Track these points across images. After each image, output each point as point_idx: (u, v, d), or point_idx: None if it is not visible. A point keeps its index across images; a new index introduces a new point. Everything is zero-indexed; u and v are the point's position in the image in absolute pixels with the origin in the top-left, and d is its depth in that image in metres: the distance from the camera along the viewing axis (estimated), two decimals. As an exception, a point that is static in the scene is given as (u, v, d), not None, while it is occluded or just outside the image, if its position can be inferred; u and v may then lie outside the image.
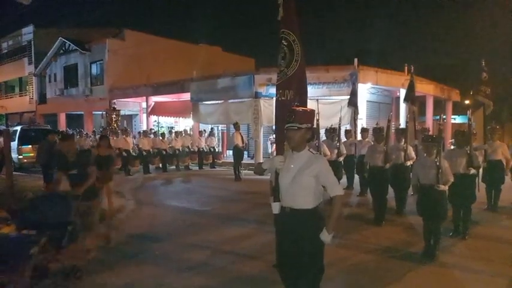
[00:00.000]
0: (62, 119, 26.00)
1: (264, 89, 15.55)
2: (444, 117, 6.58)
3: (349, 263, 4.81)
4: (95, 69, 23.82)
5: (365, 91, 16.44)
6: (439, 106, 22.40)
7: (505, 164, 7.45)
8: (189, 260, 4.93)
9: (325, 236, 2.76)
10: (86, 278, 4.35)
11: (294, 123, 2.78)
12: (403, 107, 17.88)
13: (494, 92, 7.48)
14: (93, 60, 23.67)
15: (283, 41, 3.02)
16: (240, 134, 12.27)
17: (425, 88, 18.67)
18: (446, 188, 4.92)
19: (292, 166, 2.85)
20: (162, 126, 21.47)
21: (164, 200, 9.22)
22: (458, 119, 27.67)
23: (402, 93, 17.67)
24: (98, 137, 15.73)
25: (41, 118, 27.06)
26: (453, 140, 7.26)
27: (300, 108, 2.88)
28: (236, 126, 12.23)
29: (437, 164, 4.87)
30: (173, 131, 17.32)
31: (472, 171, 5.74)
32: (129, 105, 22.68)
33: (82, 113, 24.89)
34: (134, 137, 15.80)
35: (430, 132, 9.35)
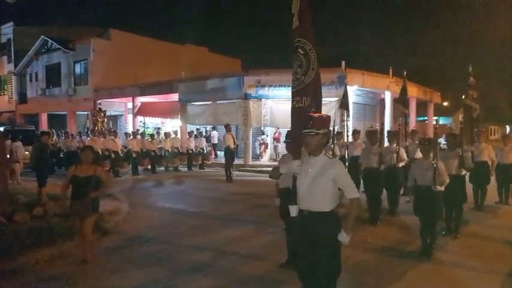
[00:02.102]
0: (44, 119, 25.44)
1: (253, 91, 15.69)
2: (439, 120, 6.84)
3: (351, 262, 4.94)
4: (78, 69, 23.41)
5: (351, 93, 16.77)
6: (422, 108, 23.05)
7: (490, 165, 7.79)
8: (193, 261, 4.98)
9: (344, 237, 2.89)
10: (92, 282, 4.36)
11: (312, 129, 2.89)
12: (388, 109, 18.36)
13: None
14: (77, 60, 23.27)
15: (299, 50, 3.13)
16: (232, 135, 12.33)
17: (409, 90, 19.06)
18: (442, 188, 5.14)
19: (310, 170, 2.96)
20: (148, 127, 21.30)
21: (158, 201, 9.20)
22: (440, 120, 28.54)
23: (387, 95, 18.19)
24: (83, 138, 15.66)
25: (21, 118, 26.41)
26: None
27: (317, 115, 3.00)
28: (227, 127, 12.28)
29: (434, 165, 5.08)
30: (160, 131, 17.22)
31: (464, 172, 6.00)
32: (114, 106, 22.41)
33: (65, 113, 24.44)
34: (119, 138, 15.60)
35: (419, 134, 9.62)
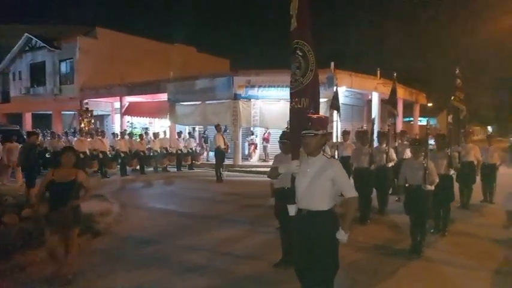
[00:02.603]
0: (28, 118, 24.92)
1: (243, 91, 15.71)
2: (431, 122, 7.00)
3: (343, 261, 4.98)
4: (64, 68, 23.05)
5: (340, 94, 16.94)
6: (408, 109, 23.45)
7: (476, 165, 8.00)
8: (189, 262, 4.98)
9: (342, 235, 2.95)
10: (86, 284, 4.33)
11: (311, 130, 2.95)
12: (375, 109, 18.64)
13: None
14: (63, 58, 22.91)
15: (298, 51, 3.18)
16: (222, 135, 12.33)
17: (398, 92, 19.45)
18: (432, 188, 5.26)
19: (308, 170, 3.02)
20: (135, 127, 21.10)
21: (149, 202, 9.14)
22: (424, 121, 29.05)
23: (374, 96, 18.46)
24: (70, 138, 15.43)
25: (3, 117, 25.80)
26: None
27: (316, 116, 3.06)
28: (218, 128, 12.28)
29: (425, 165, 5.21)
30: (148, 132, 17.10)
31: (452, 172, 6.16)
32: (101, 105, 22.14)
33: (50, 112, 24.01)
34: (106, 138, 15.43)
35: (408, 135, 9.82)
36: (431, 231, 6.20)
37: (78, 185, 4.26)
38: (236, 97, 15.74)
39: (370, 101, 19.22)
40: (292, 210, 3.11)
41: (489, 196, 8.54)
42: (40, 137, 15.68)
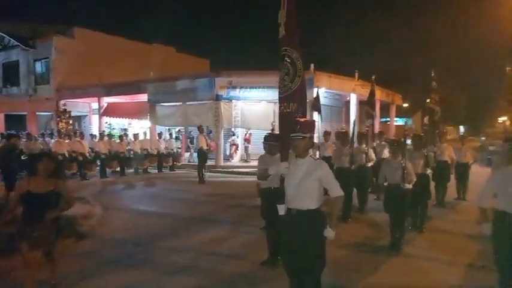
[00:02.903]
0: (0, 120, 24.10)
1: (225, 92, 15.75)
2: (409, 123, 7.27)
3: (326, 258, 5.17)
4: (39, 67, 22.41)
5: (321, 95, 17.24)
6: (384, 109, 24.04)
7: (450, 164, 8.35)
8: (175, 263, 5.03)
9: (329, 233, 3.09)
10: (75, 287, 4.32)
11: (299, 133, 3.08)
12: (353, 110, 19.06)
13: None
14: (38, 58, 22.27)
15: (286, 58, 3.30)
16: (205, 136, 12.35)
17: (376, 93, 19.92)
18: (410, 186, 5.50)
19: (297, 171, 3.15)
20: (113, 128, 20.78)
21: (131, 204, 9.07)
22: (400, 121, 29.91)
23: (352, 97, 18.87)
24: (47, 139, 15.06)
25: (-27, 119, 24.88)
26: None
27: (303, 120, 3.19)
28: (200, 129, 12.29)
29: (403, 165, 5.43)
30: (127, 133, 16.90)
31: (429, 171, 6.44)
32: (78, 106, 21.69)
33: (24, 113, 23.31)
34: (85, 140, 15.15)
35: (385, 135, 10.13)
36: (409, 228, 6.45)
37: (57, 196, 3.83)
38: (218, 98, 15.77)
39: (348, 102, 19.62)
40: (281, 209, 3.23)
41: (462, 194, 8.94)
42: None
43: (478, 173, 9.77)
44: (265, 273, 4.58)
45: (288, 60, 3.28)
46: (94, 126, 21.38)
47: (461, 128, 41.34)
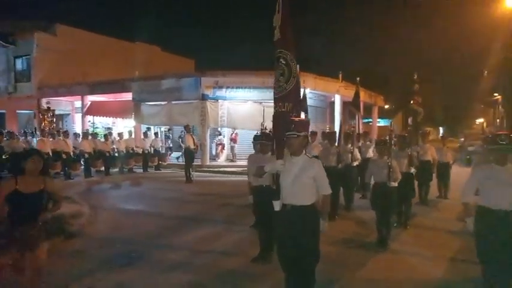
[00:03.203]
0: (-23, 118, 23.46)
1: (211, 92, 15.79)
2: (392, 124, 7.53)
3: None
4: (20, 65, 21.90)
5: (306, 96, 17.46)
6: (367, 110, 24.52)
7: (432, 163, 8.65)
8: (169, 260, 5.07)
9: (324, 226, 3.23)
10: (68, 285, 4.32)
11: (294, 132, 3.21)
12: (337, 111, 19.38)
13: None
14: (18, 55, 21.75)
15: (281, 60, 3.42)
16: (192, 136, 12.37)
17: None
18: (396, 184, 5.70)
19: (292, 169, 3.27)
20: (97, 127, 20.51)
21: (118, 204, 9.02)
22: (382, 122, 30.52)
23: (337, 98, 19.18)
24: (29, 138, 14.77)
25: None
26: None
27: (298, 119, 3.33)
28: (187, 128, 12.30)
29: (389, 164, 5.63)
30: (112, 132, 16.72)
31: (413, 170, 6.68)
32: (61, 105, 21.28)
33: (3, 111, 22.70)
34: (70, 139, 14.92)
35: (370, 135, 10.40)
36: (395, 225, 6.66)
37: (47, 196, 3.60)
38: (204, 98, 15.80)
39: (332, 103, 19.95)
40: (277, 205, 3.34)
41: (444, 192, 9.26)
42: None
43: (458, 173, 10.13)
44: (258, 268, 4.69)
45: (283, 62, 3.40)
46: (77, 125, 21.06)
47: (441, 129, 42.46)
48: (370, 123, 26.21)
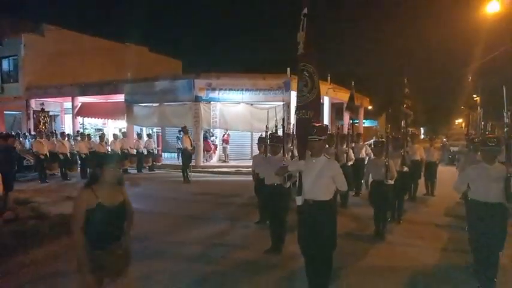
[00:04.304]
0: (-37, 119, 23.05)
1: (204, 93, 16.12)
2: (372, 124, 7.98)
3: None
4: (7, 65, 21.72)
5: (294, 98, 17.97)
6: (354, 112, 25.24)
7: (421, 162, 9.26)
8: (184, 254, 5.43)
9: None
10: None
11: (315, 136, 3.66)
12: (326, 112, 20.01)
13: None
14: (5, 55, 21.58)
15: (305, 72, 3.88)
16: (189, 137, 12.69)
17: (344, 96, 20.94)
18: (392, 182, 6.23)
19: (313, 168, 3.73)
20: (86, 128, 20.51)
21: (122, 203, 9.25)
22: (366, 123, 31.49)
23: (325, 100, 19.79)
24: (22, 140, 14.78)
25: None
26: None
27: (318, 125, 3.78)
28: (184, 129, 12.62)
29: (386, 163, 6.16)
30: (104, 133, 16.85)
31: (405, 168, 7.23)
32: (49, 106, 21.17)
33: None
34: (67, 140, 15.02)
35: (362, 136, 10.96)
36: (389, 219, 7.20)
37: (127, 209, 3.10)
38: (197, 99, 16.12)
39: (322, 105, 20.54)
40: (299, 200, 3.80)
41: (431, 190, 9.90)
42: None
43: (441, 171, 10.83)
44: (272, 259, 5.13)
45: (307, 74, 3.85)
46: (66, 126, 21.02)
47: (422, 130, 43.88)
48: (357, 124, 26.99)
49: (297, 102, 4.02)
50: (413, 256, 5.49)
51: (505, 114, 4.09)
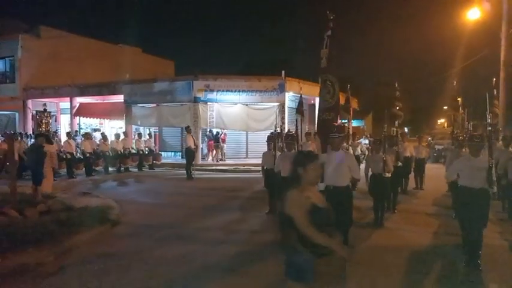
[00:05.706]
0: (-43, 119, 23.03)
1: (203, 94, 16.76)
2: (359, 123, 8.82)
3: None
4: (3, 66, 21.88)
5: (287, 99, 18.77)
6: (348, 113, 26.19)
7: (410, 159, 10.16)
8: (211, 238, 6.12)
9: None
10: (134, 256, 5.26)
11: (336, 134, 4.45)
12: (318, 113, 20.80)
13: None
14: (1, 56, 21.71)
15: (327, 82, 4.70)
16: (192, 136, 13.33)
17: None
18: (389, 175, 7.06)
19: (333, 160, 4.51)
20: (81, 128, 20.85)
21: (137, 198, 9.76)
22: (354, 123, 32.61)
23: (317, 101, 20.63)
24: (24, 140, 15.10)
25: None
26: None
27: (337, 124, 4.57)
28: (188, 129, 13.26)
29: (384, 158, 6.98)
30: (104, 133, 17.28)
31: (399, 163, 8.09)
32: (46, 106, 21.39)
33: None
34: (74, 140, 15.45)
35: (357, 135, 11.82)
36: (385, 209, 8.04)
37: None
38: (196, 100, 16.75)
39: (312, 105, 21.40)
40: (321, 186, 4.56)
41: (420, 184, 10.83)
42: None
43: (427, 168, 11.78)
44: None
45: (329, 83, 4.67)
46: (63, 125, 21.32)
47: (406, 129, 45.36)
48: (346, 124, 27.96)
49: (320, 105, 4.81)
50: (410, 238, 6.33)
51: (487, 116, 4.95)
